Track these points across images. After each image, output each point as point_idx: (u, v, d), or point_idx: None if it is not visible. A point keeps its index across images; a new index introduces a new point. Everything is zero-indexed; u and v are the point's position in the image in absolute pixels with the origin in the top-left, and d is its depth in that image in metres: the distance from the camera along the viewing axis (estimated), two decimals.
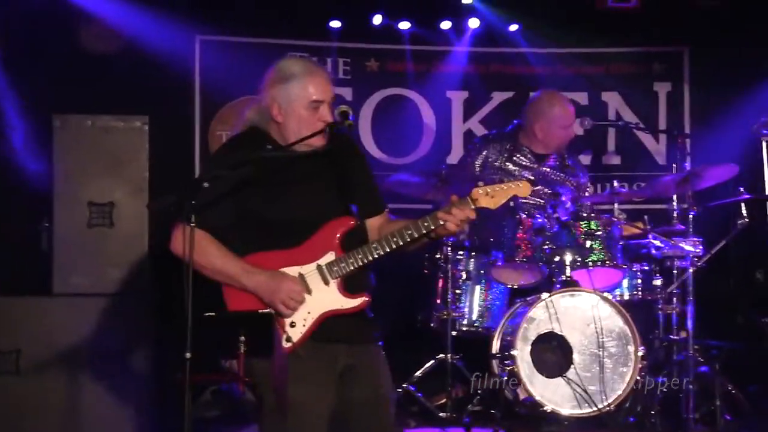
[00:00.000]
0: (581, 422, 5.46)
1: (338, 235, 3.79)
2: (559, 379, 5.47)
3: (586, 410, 5.43)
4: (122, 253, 5.66)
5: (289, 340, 3.70)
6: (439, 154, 7.52)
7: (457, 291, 6.09)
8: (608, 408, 5.44)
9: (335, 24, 7.43)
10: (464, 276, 6.11)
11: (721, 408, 5.70)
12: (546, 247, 5.82)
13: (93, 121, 5.74)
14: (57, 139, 5.69)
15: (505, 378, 5.55)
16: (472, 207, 3.77)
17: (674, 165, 6.24)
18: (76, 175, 5.67)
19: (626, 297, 6.03)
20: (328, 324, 3.75)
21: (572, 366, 5.48)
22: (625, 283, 6.04)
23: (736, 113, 7.23)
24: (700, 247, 6.02)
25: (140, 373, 5.55)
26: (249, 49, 7.22)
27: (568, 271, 5.76)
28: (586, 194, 6.46)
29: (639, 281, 6.07)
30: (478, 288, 6.13)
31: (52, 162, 5.70)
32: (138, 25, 6.90)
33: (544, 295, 5.56)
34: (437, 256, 6.14)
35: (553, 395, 5.45)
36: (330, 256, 3.77)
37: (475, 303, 6.13)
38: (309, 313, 3.74)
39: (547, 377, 5.48)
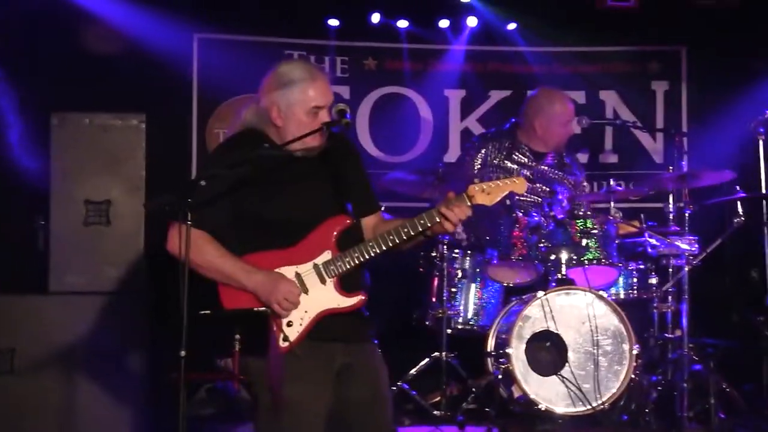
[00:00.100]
0: (575, 420, 5.47)
1: (334, 234, 3.81)
2: (554, 378, 5.48)
3: (581, 408, 5.44)
4: (118, 252, 5.67)
5: (286, 339, 3.71)
6: (436, 153, 7.52)
7: (453, 289, 6.10)
8: (602, 406, 5.45)
9: (333, 22, 7.43)
10: (459, 274, 6.12)
11: (715, 406, 5.70)
12: (541, 245, 5.83)
13: (90, 119, 5.75)
14: (54, 137, 5.71)
15: (500, 376, 5.56)
16: (469, 204, 3.79)
17: (671, 166, 6.26)
18: (73, 173, 5.68)
19: (621, 295, 6.04)
20: (325, 323, 3.76)
21: (567, 364, 5.49)
22: (621, 281, 6.05)
23: (733, 112, 7.23)
24: (696, 245, 6.03)
25: (135, 371, 5.56)
26: (247, 48, 7.22)
27: (563, 270, 5.77)
28: (583, 192, 6.48)
29: (634, 279, 6.08)
30: (473, 286, 6.14)
31: (49, 160, 5.71)
32: (136, 23, 6.89)
33: (540, 293, 5.58)
34: (432, 254, 6.15)
35: (548, 393, 5.46)
36: (326, 255, 3.78)
37: (470, 301, 6.14)
38: (306, 312, 3.75)
39: (541, 375, 5.49)
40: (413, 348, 6.19)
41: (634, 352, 5.51)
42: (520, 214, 5.92)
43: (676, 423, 5.66)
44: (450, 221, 3.76)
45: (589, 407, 5.43)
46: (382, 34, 7.54)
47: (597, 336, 5.53)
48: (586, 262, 5.79)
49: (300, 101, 3.80)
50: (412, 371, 6.07)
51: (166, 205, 3.60)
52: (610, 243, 5.86)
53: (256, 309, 3.70)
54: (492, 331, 5.80)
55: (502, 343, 5.60)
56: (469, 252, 6.16)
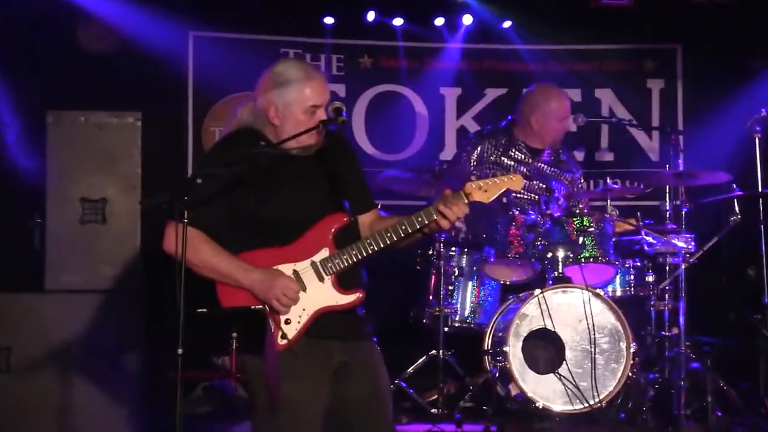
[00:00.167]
0: (572, 418, 5.47)
1: (332, 231, 3.80)
2: (551, 376, 5.47)
3: (578, 406, 5.44)
4: (114, 250, 5.66)
5: (284, 337, 3.70)
6: (432, 151, 7.53)
7: (450, 287, 6.10)
8: (600, 404, 5.44)
9: (329, 20, 7.42)
10: (456, 272, 6.12)
11: (712, 404, 5.70)
12: (538, 243, 5.83)
13: (86, 117, 5.74)
14: (50, 135, 5.70)
15: (497, 374, 5.56)
16: (466, 201, 3.78)
17: (667, 164, 6.27)
18: (69, 172, 5.67)
19: (618, 293, 6.04)
20: (323, 320, 3.75)
21: (564, 362, 5.49)
22: (618, 279, 6.05)
23: (729, 110, 7.24)
24: (693, 243, 6.03)
25: (132, 369, 5.55)
26: (242, 46, 7.21)
27: (560, 268, 5.76)
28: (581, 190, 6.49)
29: (631, 277, 6.08)
30: (470, 284, 6.14)
31: (44, 158, 5.70)
32: (131, 21, 6.88)
33: (536, 291, 5.57)
34: (429, 252, 6.15)
35: (545, 391, 5.46)
36: (324, 253, 3.78)
37: (467, 299, 6.14)
38: (304, 309, 3.74)
39: (538, 373, 5.49)
40: (410, 346, 6.19)
41: (631, 350, 5.51)
42: (517, 212, 5.92)
43: (673, 421, 5.66)
44: (447, 219, 3.76)
45: (586, 405, 5.43)
46: (378, 32, 7.53)
47: (594, 334, 5.52)
48: (583, 260, 5.78)
49: (297, 100, 3.79)
50: (410, 369, 6.07)
51: (162, 203, 3.59)
52: (607, 241, 5.85)
53: (253, 307, 3.69)
54: (489, 329, 5.80)
55: (500, 341, 5.60)
56: (466, 250, 6.15)
